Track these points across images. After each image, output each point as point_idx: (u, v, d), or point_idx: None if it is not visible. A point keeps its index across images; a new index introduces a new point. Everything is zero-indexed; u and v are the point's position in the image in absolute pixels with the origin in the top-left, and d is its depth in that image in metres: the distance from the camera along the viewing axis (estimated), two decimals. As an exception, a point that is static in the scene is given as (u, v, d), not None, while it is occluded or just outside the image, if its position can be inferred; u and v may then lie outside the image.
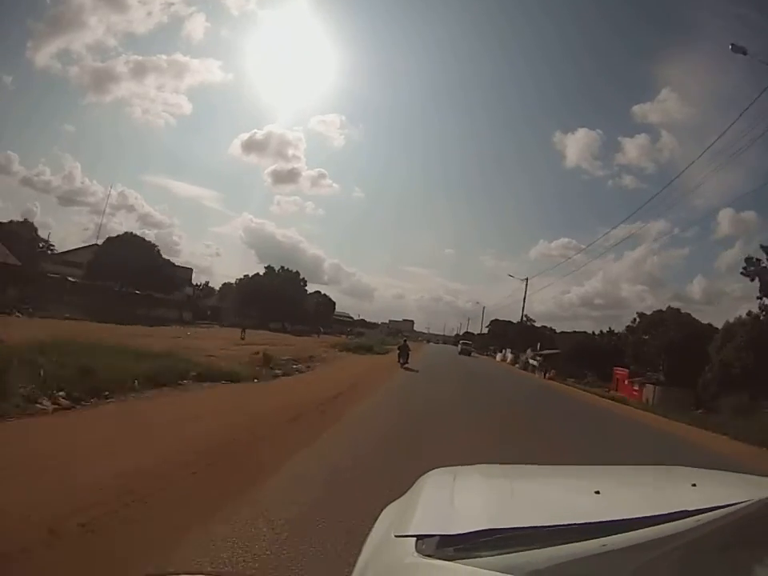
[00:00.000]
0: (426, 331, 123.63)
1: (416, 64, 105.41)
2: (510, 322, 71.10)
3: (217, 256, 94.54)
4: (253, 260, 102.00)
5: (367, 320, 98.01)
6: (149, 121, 78.24)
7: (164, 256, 44.11)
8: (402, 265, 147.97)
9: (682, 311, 31.82)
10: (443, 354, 48.15)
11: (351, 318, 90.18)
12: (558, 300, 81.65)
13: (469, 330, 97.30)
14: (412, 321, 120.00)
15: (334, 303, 73.51)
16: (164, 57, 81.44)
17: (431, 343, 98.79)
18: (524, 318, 70.61)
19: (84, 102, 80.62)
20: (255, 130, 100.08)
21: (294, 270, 59.23)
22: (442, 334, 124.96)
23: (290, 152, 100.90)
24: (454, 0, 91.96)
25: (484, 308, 70.37)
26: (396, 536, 0.96)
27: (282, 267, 58.90)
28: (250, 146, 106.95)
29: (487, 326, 76.04)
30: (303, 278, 60.56)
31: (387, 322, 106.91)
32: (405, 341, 22.50)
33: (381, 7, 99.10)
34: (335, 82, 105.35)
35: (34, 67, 65.84)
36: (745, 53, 19.31)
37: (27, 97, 69.72)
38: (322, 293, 71.60)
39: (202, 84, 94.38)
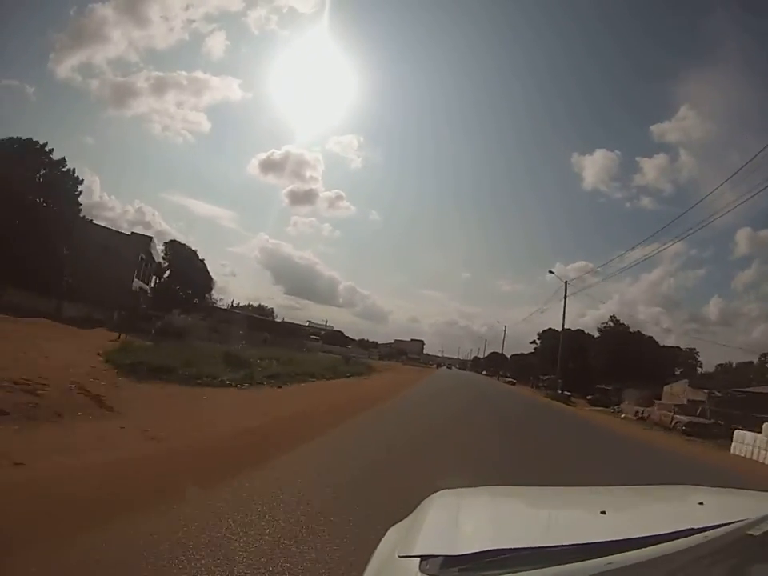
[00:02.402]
0: (439, 354, 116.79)
1: (433, 87, 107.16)
2: (580, 331, 46.62)
3: (233, 276, 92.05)
4: (268, 281, 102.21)
5: (371, 340, 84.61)
6: (168, 138, 79.07)
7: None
8: (417, 288, 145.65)
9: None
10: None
11: (327, 328, 67.25)
12: (573, 324, 77.97)
13: (499, 351, 77.92)
14: (422, 341, 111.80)
15: (211, 277, 37.62)
16: (184, 73, 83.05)
17: (443, 367, 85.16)
18: (614, 320, 42.60)
19: (104, 116, 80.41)
20: (273, 150, 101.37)
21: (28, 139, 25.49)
22: (456, 357, 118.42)
23: (308, 173, 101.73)
24: (470, 22, 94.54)
25: (554, 297, 39.55)
26: (400, 556, 0.95)
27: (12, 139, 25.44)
28: (268, 165, 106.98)
29: (532, 341, 57.51)
30: (73, 174, 26.59)
31: (392, 341, 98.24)
32: None
33: (399, 30, 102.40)
34: (353, 102, 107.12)
35: (56, 79, 65.36)
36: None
37: (48, 108, 70.60)
38: (195, 249, 35.68)
39: (221, 102, 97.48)
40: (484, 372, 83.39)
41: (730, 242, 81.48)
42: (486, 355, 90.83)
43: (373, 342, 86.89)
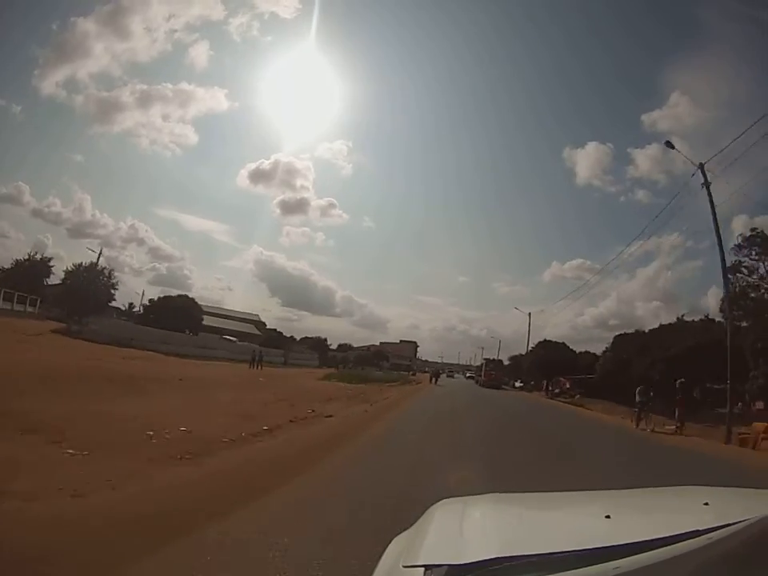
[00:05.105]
0: (439, 360, 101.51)
1: (421, 89, 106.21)
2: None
3: (228, 290, 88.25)
4: (265, 293, 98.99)
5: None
6: (156, 152, 77.87)
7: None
8: (414, 294, 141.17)
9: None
10: None
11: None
12: (572, 323, 71.30)
13: (513, 353, 53.18)
14: (414, 343, 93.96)
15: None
16: (169, 86, 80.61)
17: (443, 375, 57.63)
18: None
19: (91, 132, 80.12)
20: (262, 160, 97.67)
21: None
22: (456, 362, 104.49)
23: (298, 182, 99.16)
24: (458, 22, 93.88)
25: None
26: (404, 566, 0.94)
27: None
28: (258, 176, 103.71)
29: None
30: None
31: (377, 344, 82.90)
32: None
33: (385, 31, 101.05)
34: (341, 107, 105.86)
35: (41, 96, 65.08)
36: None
37: (36, 127, 69.29)
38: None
39: (207, 113, 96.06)
40: (520, 383, 51.10)
41: (726, 231, 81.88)
42: (529, 349, 47.39)
43: (345, 345, 77.55)
